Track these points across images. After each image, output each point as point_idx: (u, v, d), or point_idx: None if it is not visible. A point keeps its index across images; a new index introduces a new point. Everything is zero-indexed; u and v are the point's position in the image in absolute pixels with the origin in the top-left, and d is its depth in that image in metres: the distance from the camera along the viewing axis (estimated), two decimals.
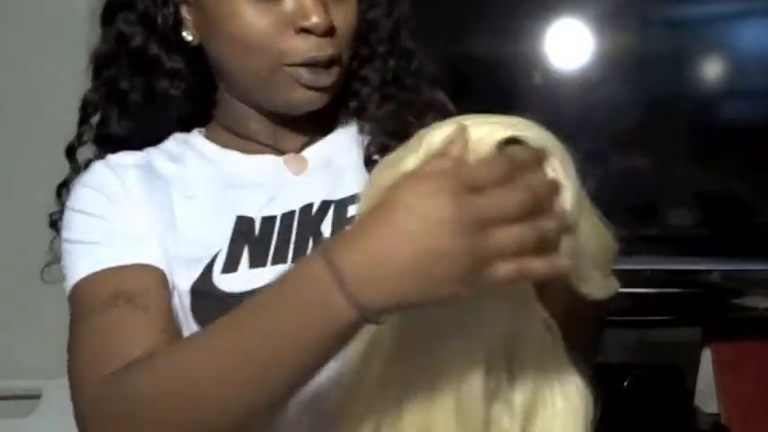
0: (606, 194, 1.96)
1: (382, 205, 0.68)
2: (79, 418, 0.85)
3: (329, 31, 0.97)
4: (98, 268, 0.94)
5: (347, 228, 0.72)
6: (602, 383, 1.85)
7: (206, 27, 1.01)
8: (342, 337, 0.71)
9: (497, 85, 1.85)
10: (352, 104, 1.07)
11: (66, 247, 0.98)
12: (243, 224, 0.98)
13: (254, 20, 0.96)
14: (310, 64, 0.97)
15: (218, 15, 0.98)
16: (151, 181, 1.01)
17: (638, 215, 1.84)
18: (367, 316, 0.69)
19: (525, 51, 1.82)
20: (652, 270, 1.87)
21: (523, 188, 0.69)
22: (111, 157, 1.03)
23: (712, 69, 1.86)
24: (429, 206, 0.66)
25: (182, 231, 0.98)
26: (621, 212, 1.85)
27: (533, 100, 1.84)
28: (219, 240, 0.97)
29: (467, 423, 0.77)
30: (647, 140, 1.88)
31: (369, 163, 1.02)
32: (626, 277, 1.92)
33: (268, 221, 0.99)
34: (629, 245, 1.89)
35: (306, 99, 1.00)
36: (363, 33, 1.05)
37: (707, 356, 1.86)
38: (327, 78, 0.99)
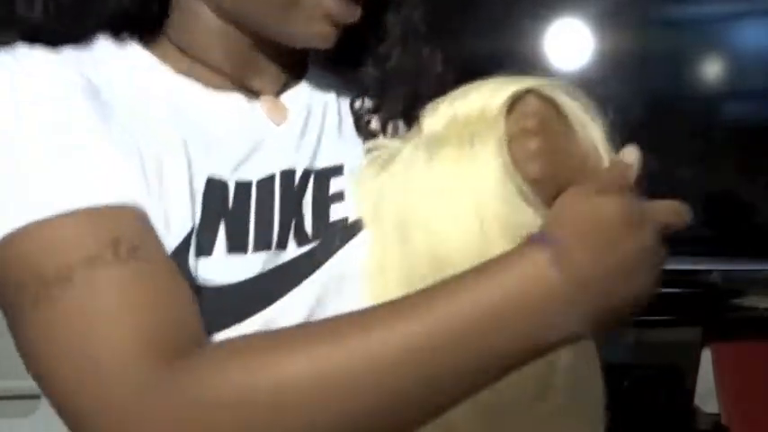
0: None
1: (581, 221, 0.67)
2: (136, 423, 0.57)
3: None
4: (77, 206, 0.65)
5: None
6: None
7: None
8: (552, 350, 0.64)
9: None
10: (363, 57, 0.89)
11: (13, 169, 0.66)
12: (214, 190, 0.75)
13: None
14: None
15: None
16: (99, 101, 0.72)
17: None
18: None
19: (525, 51, 1.82)
20: None
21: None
22: (41, 51, 0.73)
23: (712, 69, 1.86)
24: (615, 214, 0.72)
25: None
26: None
27: None
28: (188, 209, 0.72)
29: None
30: (647, 140, 1.87)
31: (362, 131, 0.88)
32: None
33: (242, 189, 0.76)
34: None
35: (325, 35, 0.81)
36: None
37: (707, 356, 1.86)
38: (356, 13, 0.82)
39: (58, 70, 0.72)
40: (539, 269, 0.62)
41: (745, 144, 1.83)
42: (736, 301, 1.86)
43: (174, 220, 0.70)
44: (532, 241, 0.64)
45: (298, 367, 0.57)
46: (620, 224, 0.71)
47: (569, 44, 1.81)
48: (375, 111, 0.89)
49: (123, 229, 0.65)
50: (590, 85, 1.82)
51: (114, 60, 0.77)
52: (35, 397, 1.84)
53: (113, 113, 0.72)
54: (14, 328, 0.67)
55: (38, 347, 0.65)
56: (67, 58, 0.73)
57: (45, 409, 0.68)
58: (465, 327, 0.59)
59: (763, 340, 1.80)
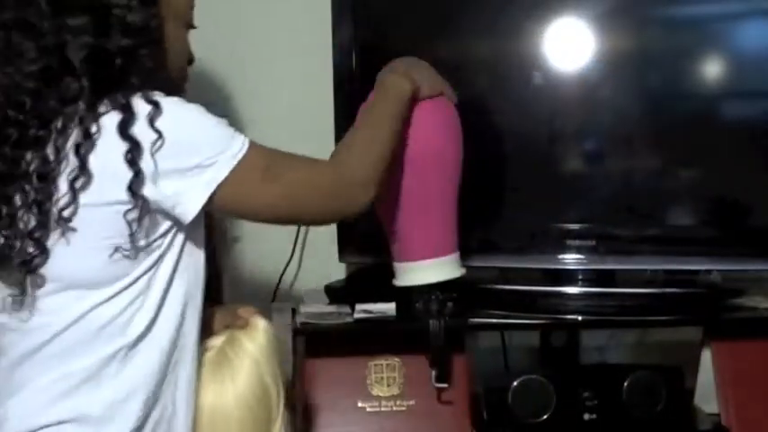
0: (606, 194, 1.99)
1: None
2: (356, 179, 1.38)
3: None
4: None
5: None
6: (603, 383, 1.87)
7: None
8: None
9: (497, 84, 1.85)
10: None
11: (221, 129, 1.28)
12: None
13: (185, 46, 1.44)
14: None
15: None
16: None
17: (639, 215, 1.84)
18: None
19: (525, 51, 1.82)
20: (652, 270, 1.87)
21: None
22: None
23: (712, 69, 1.86)
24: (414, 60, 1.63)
25: None
26: (622, 212, 1.85)
27: (533, 100, 1.84)
28: None
29: None
30: (647, 140, 1.87)
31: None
32: (626, 277, 1.94)
33: None
34: (630, 245, 1.91)
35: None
36: None
37: (707, 356, 1.86)
38: None
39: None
40: (393, 81, 1.54)
41: (745, 144, 1.83)
42: (736, 301, 1.86)
43: None
44: (385, 79, 1.55)
45: (361, 145, 1.45)
46: (416, 62, 1.62)
47: (569, 44, 1.81)
48: None
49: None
50: (590, 85, 1.83)
51: None
52: None
53: None
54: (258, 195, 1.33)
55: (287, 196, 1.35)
56: None
57: None
58: (393, 114, 1.50)
59: (763, 340, 1.80)
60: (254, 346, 1.38)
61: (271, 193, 1.30)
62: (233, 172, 1.25)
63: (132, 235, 1.22)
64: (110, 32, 1.23)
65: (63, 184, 1.20)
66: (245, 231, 2.04)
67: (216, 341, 1.38)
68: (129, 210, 1.21)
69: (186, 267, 1.30)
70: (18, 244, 1.22)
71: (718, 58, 1.85)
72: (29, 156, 1.21)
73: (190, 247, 1.30)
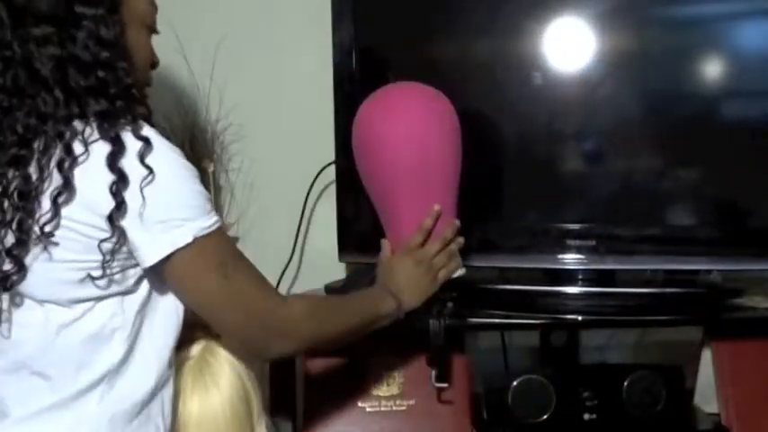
0: (606, 194, 1.98)
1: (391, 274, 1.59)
2: (290, 321, 1.35)
3: None
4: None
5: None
6: (603, 383, 1.87)
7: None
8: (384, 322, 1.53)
9: (497, 84, 1.85)
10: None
11: (194, 201, 1.25)
12: None
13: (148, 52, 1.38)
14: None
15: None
16: None
17: (639, 215, 1.84)
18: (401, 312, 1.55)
19: (525, 51, 1.82)
20: (652, 270, 1.87)
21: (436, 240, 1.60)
22: None
23: (712, 69, 1.86)
24: (408, 267, 1.58)
25: None
26: (622, 212, 1.85)
27: (533, 100, 1.84)
28: None
29: None
30: (647, 140, 1.87)
31: None
32: (626, 277, 1.94)
33: None
34: (630, 245, 1.91)
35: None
36: None
37: (707, 356, 1.86)
38: None
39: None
40: (383, 296, 1.54)
41: (745, 144, 1.83)
42: (736, 301, 1.86)
43: None
44: (380, 288, 1.56)
45: (325, 306, 1.50)
46: (410, 267, 1.58)
47: (569, 44, 1.81)
48: None
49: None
50: (590, 85, 1.83)
51: None
52: None
53: None
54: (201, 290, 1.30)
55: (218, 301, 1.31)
56: None
57: None
58: (361, 315, 1.49)
59: (763, 340, 1.80)
60: (228, 349, 1.40)
61: (216, 286, 1.28)
62: (195, 245, 1.23)
63: (105, 263, 1.22)
64: (78, 42, 1.22)
65: (46, 201, 1.20)
66: (246, 231, 2.04)
67: (193, 351, 1.40)
68: (105, 240, 1.21)
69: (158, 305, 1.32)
70: None
71: (718, 58, 1.85)
72: (10, 174, 1.21)
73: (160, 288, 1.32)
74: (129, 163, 1.20)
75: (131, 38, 1.31)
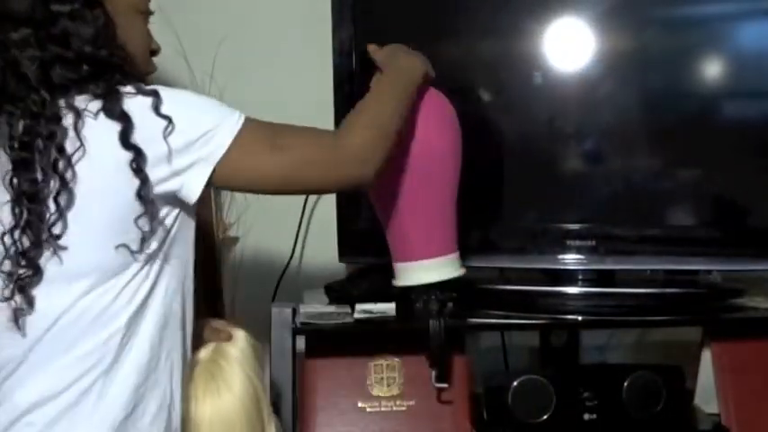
0: (606, 194, 1.98)
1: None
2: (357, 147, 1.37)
3: None
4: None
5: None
6: (603, 383, 1.87)
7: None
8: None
9: (498, 84, 1.85)
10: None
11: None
12: None
13: (145, 39, 1.37)
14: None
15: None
16: None
17: (639, 215, 1.84)
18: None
19: (525, 51, 1.82)
20: (652, 270, 1.87)
21: None
22: None
23: (712, 69, 1.86)
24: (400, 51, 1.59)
25: None
26: (622, 212, 1.85)
27: (533, 100, 1.84)
28: None
29: None
30: (647, 140, 1.87)
31: None
32: (626, 277, 1.94)
33: None
34: (630, 245, 1.91)
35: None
36: None
37: (707, 356, 1.86)
38: None
39: None
40: (412, 64, 1.56)
41: (745, 144, 1.83)
42: (736, 301, 1.86)
43: None
44: (402, 57, 1.57)
45: (367, 118, 1.43)
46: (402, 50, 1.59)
47: (569, 44, 1.81)
48: None
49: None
50: (590, 85, 1.83)
51: None
52: None
53: None
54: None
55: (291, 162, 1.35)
56: None
57: None
58: (402, 94, 1.49)
59: (763, 340, 1.80)
60: (237, 351, 1.41)
61: (278, 162, 1.32)
62: (235, 142, 1.26)
63: (143, 239, 1.23)
64: (58, 41, 1.23)
65: (52, 203, 1.21)
66: (246, 231, 2.04)
67: (202, 354, 1.40)
68: (140, 216, 1.22)
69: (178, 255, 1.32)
70: (9, 265, 1.23)
71: (718, 58, 1.85)
72: (18, 178, 1.22)
73: (183, 231, 1.32)
74: (149, 120, 1.23)
75: (123, 26, 1.30)
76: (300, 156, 1.34)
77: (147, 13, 1.38)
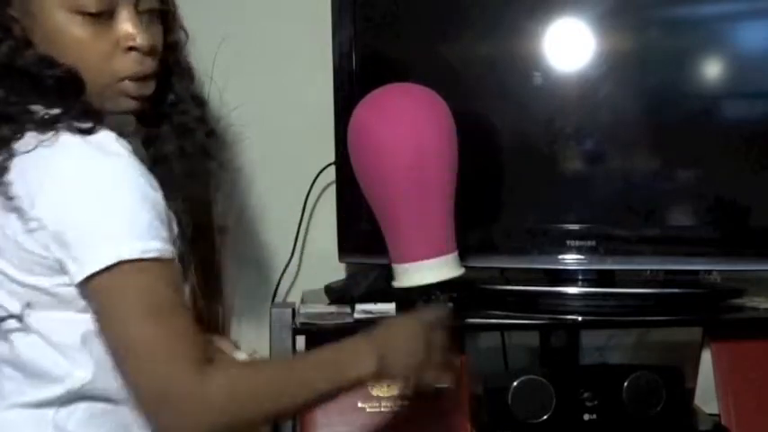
0: (606, 194, 1.98)
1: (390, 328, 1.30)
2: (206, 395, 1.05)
3: (152, 50, 1.19)
4: (167, 255, 1.09)
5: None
6: (603, 383, 1.87)
7: (41, 43, 1.14)
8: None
9: (497, 84, 1.85)
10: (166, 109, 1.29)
11: (136, 205, 1.08)
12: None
13: (89, 43, 1.14)
14: (135, 78, 1.18)
15: (52, 34, 1.13)
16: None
17: (639, 215, 1.84)
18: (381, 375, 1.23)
19: (525, 51, 1.82)
20: (652, 270, 1.87)
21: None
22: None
23: (712, 69, 1.86)
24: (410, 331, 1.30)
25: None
26: (622, 212, 1.85)
27: (533, 100, 1.84)
28: None
29: None
30: (647, 140, 1.87)
31: (156, 166, 1.22)
32: (626, 277, 1.94)
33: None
34: (630, 245, 1.91)
35: (130, 106, 1.21)
36: (164, 52, 1.26)
37: (707, 356, 1.86)
38: (148, 89, 1.22)
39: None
40: (364, 353, 1.22)
41: (745, 144, 1.83)
42: (737, 301, 1.86)
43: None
44: (366, 342, 1.24)
45: (257, 382, 1.13)
46: (409, 336, 1.29)
47: (569, 44, 1.81)
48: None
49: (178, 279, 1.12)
50: (590, 85, 1.83)
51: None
52: None
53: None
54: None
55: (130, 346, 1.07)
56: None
57: None
58: (334, 383, 1.19)
59: (763, 340, 1.80)
60: None
61: (130, 331, 1.06)
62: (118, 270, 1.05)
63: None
64: None
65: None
66: (246, 232, 2.04)
67: None
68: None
69: None
70: None
71: (718, 58, 1.85)
72: None
73: None
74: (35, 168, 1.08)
75: (57, 31, 1.14)
76: (152, 348, 1.05)
77: (87, 12, 1.14)
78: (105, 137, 1.11)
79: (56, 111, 1.11)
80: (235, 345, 1.43)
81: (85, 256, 1.06)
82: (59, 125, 1.10)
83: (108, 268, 1.05)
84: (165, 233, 1.10)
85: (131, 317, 1.05)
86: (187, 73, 1.36)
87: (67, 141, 1.09)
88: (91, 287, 1.06)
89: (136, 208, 1.08)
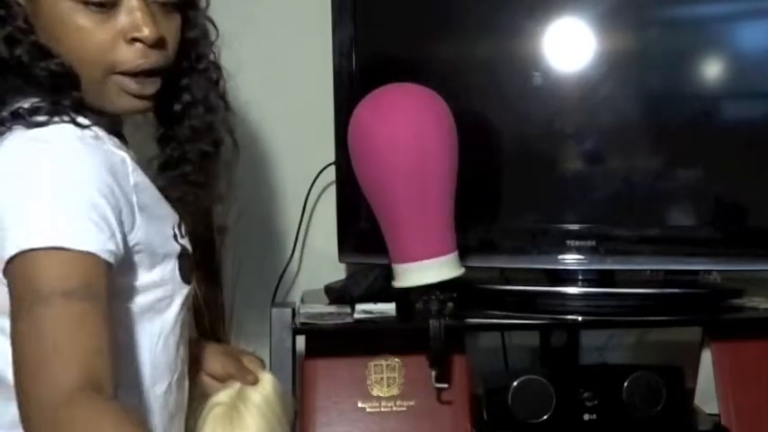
0: (606, 194, 1.98)
1: None
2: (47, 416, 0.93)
3: (159, 43, 1.11)
4: (93, 249, 0.99)
5: None
6: (603, 383, 1.87)
7: (43, 30, 1.09)
8: None
9: (497, 85, 1.85)
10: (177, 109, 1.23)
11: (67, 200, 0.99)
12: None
13: (91, 32, 1.08)
14: (137, 73, 1.11)
15: (54, 22, 1.08)
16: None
17: (639, 215, 1.84)
18: None
19: (525, 51, 1.82)
20: (652, 270, 1.87)
21: None
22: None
23: (712, 69, 1.86)
24: None
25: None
26: (622, 212, 1.85)
27: (533, 100, 1.84)
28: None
29: None
30: (647, 140, 1.87)
31: (168, 167, 1.22)
32: (626, 277, 1.94)
33: None
34: (630, 245, 1.91)
35: (131, 105, 1.14)
36: (183, 49, 1.19)
37: (707, 356, 1.86)
38: (151, 87, 1.14)
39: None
40: None
41: (745, 144, 1.83)
42: (736, 301, 1.86)
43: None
44: None
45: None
46: None
47: (569, 44, 1.81)
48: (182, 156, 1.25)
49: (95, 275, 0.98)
50: (590, 85, 1.83)
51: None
52: None
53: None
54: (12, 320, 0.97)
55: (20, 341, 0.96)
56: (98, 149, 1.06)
57: None
58: None
59: (763, 340, 1.80)
60: (260, 398, 1.33)
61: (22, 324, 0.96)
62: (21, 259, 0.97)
63: None
64: None
65: None
66: (246, 231, 2.04)
67: (222, 397, 1.33)
68: None
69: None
70: None
71: (718, 58, 1.85)
72: None
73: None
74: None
75: (60, 19, 1.09)
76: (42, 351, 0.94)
77: (96, 3, 1.09)
78: (58, 129, 1.05)
79: (24, 104, 1.07)
80: (262, 363, 1.39)
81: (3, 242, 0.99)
82: (19, 120, 1.05)
83: (16, 256, 0.97)
84: (100, 232, 1.00)
85: (35, 303, 0.96)
86: (207, 73, 1.28)
87: (15, 136, 1.04)
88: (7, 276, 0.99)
89: (58, 201, 0.99)
